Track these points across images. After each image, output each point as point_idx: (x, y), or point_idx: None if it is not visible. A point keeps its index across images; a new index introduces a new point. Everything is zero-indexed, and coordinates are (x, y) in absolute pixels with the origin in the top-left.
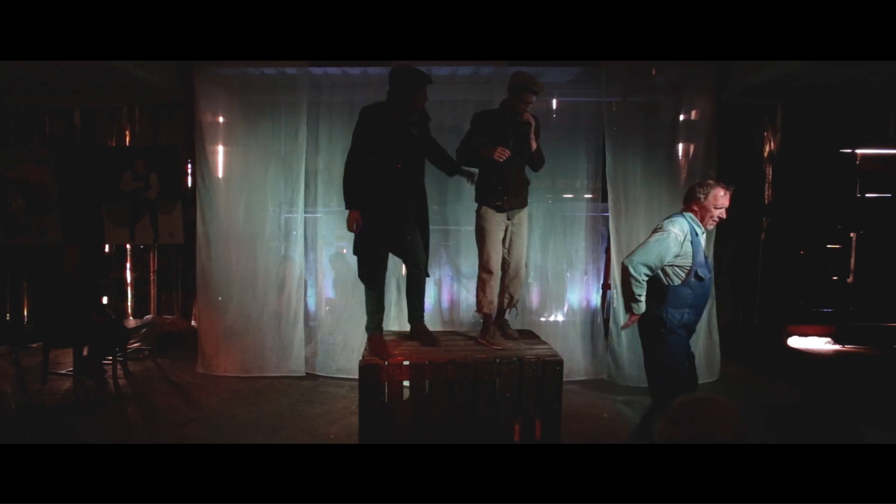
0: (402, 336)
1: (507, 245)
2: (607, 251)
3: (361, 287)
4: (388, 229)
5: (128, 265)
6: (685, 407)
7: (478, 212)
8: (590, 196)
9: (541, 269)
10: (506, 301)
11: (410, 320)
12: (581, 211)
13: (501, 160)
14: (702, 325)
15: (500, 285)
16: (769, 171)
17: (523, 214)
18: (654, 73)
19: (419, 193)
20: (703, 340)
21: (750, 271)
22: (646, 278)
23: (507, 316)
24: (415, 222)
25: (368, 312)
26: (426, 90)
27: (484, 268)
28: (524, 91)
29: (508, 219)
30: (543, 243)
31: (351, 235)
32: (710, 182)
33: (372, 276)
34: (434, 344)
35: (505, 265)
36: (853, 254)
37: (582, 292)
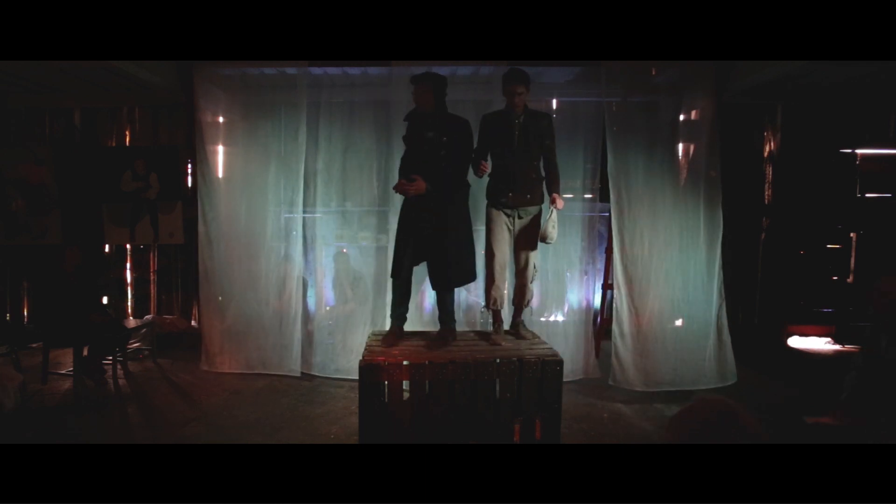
0: (415, 335)
1: (515, 244)
2: (607, 251)
3: (361, 288)
4: (409, 228)
5: (128, 265)
6: (704, 409)
7: (486, 211)
8: (589, 196)
9: (541, 269)
10: (517, 300)
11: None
12: (580, 211)
13: (480, 177)
14: (710, 324)
15: (514, 284)
16: (769, 170)
17: (534, 212)
18: (654, 73)
19: (435, 204)
20: (713, 341)
21: (750, 271)
22: None
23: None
24: (435, 233)
25: (391, 305)
26: (414, 88)
27: (487, 266)
28: (508, 83)
29: (519, 217)
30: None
31: (351, 236)
32: None
33: (393, 266)
34: (437, 347)
35: (515, 264)
36: (853, 254)
37: (582, 292)
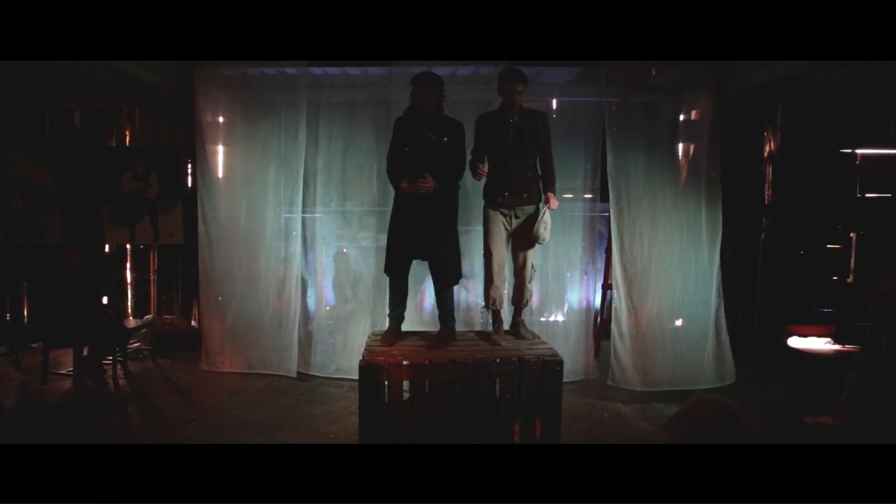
0: (414, 335)
1: (512, 243)
2: (607, 251)
3: (361, 288)
4: (409, 226)
5: (128, 265)
6: (704, 409)
7: (483, 212)
8: (589, 196)
9: (541, 269)
10: (516, 300)
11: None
12: (580, 211)
13: (479, 179)
14: (709, 324)
15: (513, 284)
16: (769, 170)
17: (531, 211)
18: (654, 73)
19: (439, 202)
20: (711, 341)
21: (750, 271)
22: None
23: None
24: (440, 231)
25: (389, 306)
26: (416, 88)
27: (486, 267)
28: (507, 82)
29: (516, 216)
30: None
31: (351, 236)
32: None
33: (388, 262)
34: (437, 347)
35: (513, 264)
36: (853, 254)
37: (582, 292)
